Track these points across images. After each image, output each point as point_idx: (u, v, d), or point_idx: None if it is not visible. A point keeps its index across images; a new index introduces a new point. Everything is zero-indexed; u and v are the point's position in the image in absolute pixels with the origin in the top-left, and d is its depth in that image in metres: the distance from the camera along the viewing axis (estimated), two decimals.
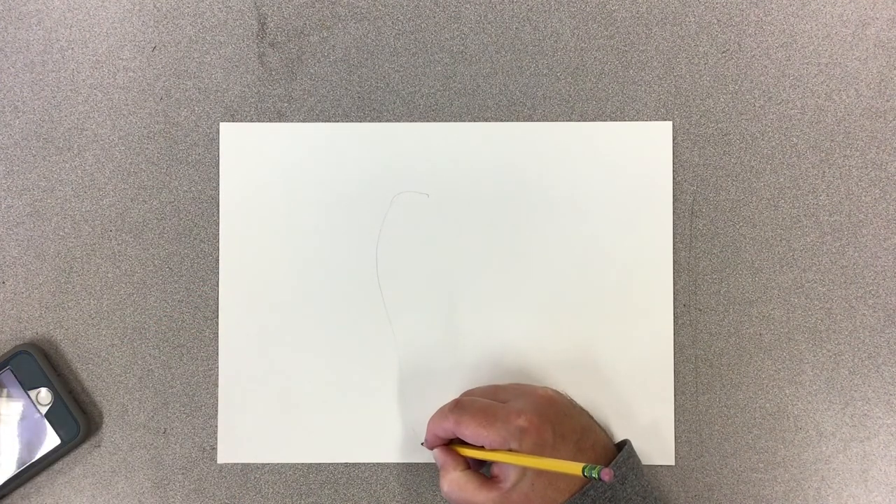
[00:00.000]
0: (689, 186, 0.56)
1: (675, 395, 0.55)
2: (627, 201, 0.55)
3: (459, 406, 0.49)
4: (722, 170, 0.56)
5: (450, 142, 0.55)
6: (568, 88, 0.56)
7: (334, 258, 0.55)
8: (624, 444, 0.50)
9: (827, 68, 0.56)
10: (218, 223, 0.55)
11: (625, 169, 0.55)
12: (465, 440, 0.49)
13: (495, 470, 0.49)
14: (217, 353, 0.55)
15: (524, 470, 0.47)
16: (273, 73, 0.56)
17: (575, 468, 0.41)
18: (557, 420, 0.48)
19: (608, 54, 0.56)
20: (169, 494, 0.55)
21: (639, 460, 0.50)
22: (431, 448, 0.51)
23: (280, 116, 0.56)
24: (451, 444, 0.51)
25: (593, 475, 0.39)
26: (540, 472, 0.47)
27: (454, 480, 0.49)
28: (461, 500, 0.49)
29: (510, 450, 0.47)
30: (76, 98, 0.55)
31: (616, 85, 0.56)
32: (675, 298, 0.55)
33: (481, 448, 0.48)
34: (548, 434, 0.47)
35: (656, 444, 0.54)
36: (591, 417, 0.52)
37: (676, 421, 0.55)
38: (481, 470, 0.50)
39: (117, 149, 0.55)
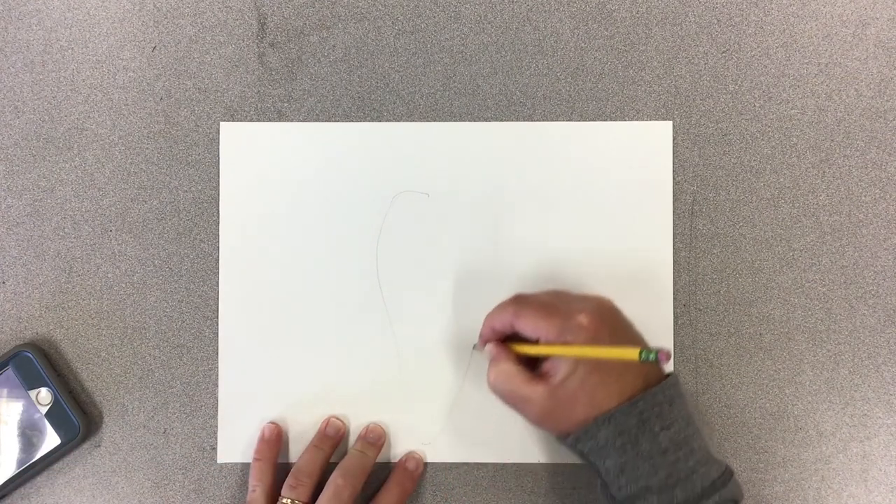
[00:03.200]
0: (689, 186, 0.56)
1: None
2: (627, 201, 0.55)
3: (521, 298, 0.49)
4: (722, 170, 0.56)
5: (450, 142, 0.55)
6: (568, 88, 0.56)
7: (334, 258, 0.55)
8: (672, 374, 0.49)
9: (827, 68, 0.56)
10: (218, 223, 0.55)
11: (625, 169, 0.55)
12: (522, 332, 0.48)
13: (546, 367, 0.48)
14: (217, 353, 0.55)
15: (575, 367, 0.46)
16: (273, 73, 0.56)
17: (632, 353, 0.41)
18: (616, 326, 0.48)
19: (608, 54, 0.56)
20: (169, 494, 0.55)
21: (684, 394, 0.49)
22: (485, 343, 0.51)
23: (280, 116, 0.56)
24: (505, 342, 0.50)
25: (650, 358, 0.39)
26: (591, 371, 0.46)
27: (503, 371, 0.49)
28: (506, 391, 0.49)
29: (565, 343, 0.46)
30: (76, 98, 0.55)
31: (616, 85, 0.56)
32: (675, 298, 0.55)
33: (536, 343, 0.48)
34: (604, 336, 0.46)
35: None
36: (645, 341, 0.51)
37: None
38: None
39: (117, 149, 0.55)
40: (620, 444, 0.45)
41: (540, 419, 0.48)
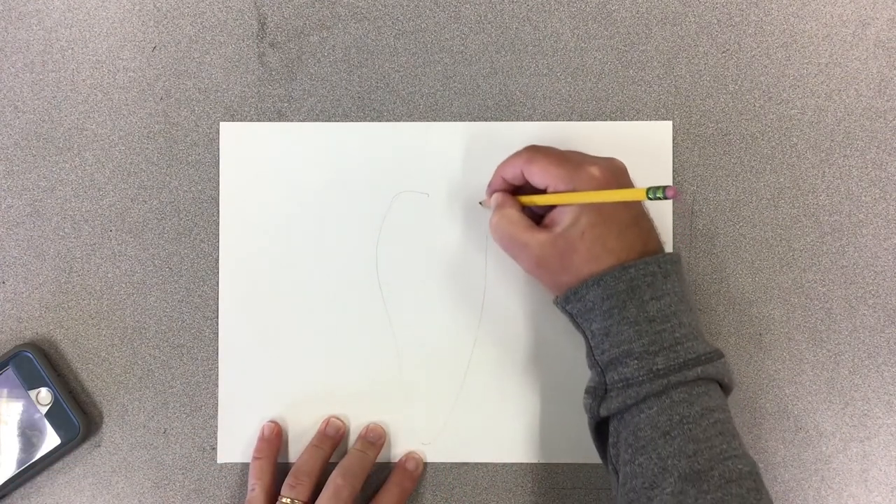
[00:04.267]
0: (689, 186, 0.56)
1: None
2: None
3: (534, 147, 0.49)
4: (722, 170, 0.56)
5: (450, 142, 0.55)
6: (568, 88, 0.56)
7: (334, 258, 0.55)
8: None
9: (827, 68, 0.56)
10: (218, 223, 0.55)
11: None
12: (532, 179, 0.48)
13: (550, 216, 0.48)
14: (217, 353, 0.55)
15: (578, 218, 0.46)
16: (273, 73, 0.56)
17: (639, 192, 0.41)
18: (624, 184, 0.48)
19: (608, 54, 0.56)
20: (169, 494, 0.55)
21: (684, 274, 0.49)
22: (493, 192, 0.51)
23: (280, 116, 0.56)
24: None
25: (658, 195, 0.39)
26: (593, 224, 0.46)
27: (506, 215, 0.49)
28: (507, 234, 0.49)
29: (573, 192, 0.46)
30: (76, 98, 0.55)
31: (616, 85, 0.56)
32: None
33: (543, 192, 0.48)
34: (615, 189, 0.46)
35: None
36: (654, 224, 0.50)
37: None
38: None
39: (117, 149, 0.55)
40: (608, 307, 0.46)
41: (535, 266, 0.48)
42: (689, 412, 0.44)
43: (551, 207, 0.48)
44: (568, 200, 0.47)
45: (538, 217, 0.50)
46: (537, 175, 0.48)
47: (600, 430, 0.48)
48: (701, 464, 0.43)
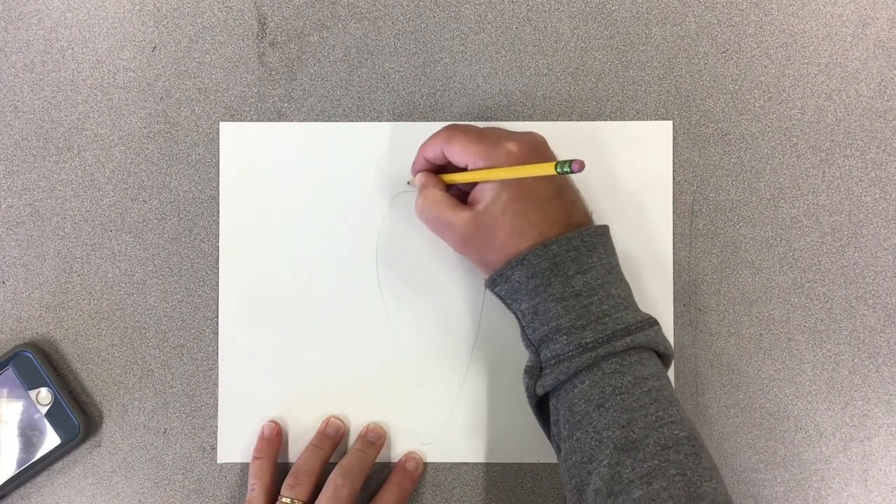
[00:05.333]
0: (689, 186, 0.56)
1: None
2: (627, 201, 0.55)
3: (453, 126, 0.50)
4: (722, 170, 0.56)
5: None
6: (568, 88, 0.56)
7: (334, 258, 0.55)
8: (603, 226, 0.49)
9: (827, 68, 0.56)
10: (218, 223, 0.55)
11: (625, 168, 0.55)
12: (452, 159, 0.49)
13: (472, 195, 0.49)
14: (217, 353, 0.55)
15: (499, 194, 0.47)
16: (273, 73, 0.56)
17: (548, 167, 0.42)
18: (546, 159, 0.48)
19: (608, 54, 0.56)
20: (169, 494, 0.55)
21: (613, 246, 0.49)
22: (416, 172, 0.52)
23: (280, 116, 0.56)
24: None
25: (565, 169, 0.40)
26: (514, 199, 0.46)
27: (430, 197, 0.49)
28: (433, 216, 0.49)
29: (492, 168, 0.47)
30: (76, 98, 0.55)
31: (616, 85, 0.56)
32: (675, 298, 0.55)
33: (464, 170, 0.48)
34: (532, 164, 0.46)
35: None
36: (581, 195, 0.50)
37: None
38: None
39: (117, 149, 0.55)
40: (533, 286, 0.46)
41: (462, 245, 0.49)
42: (621, 382, 0.44)
43: (476, 185, 0.49)
44: (485, 177, 0.47)
45: (465, 195, 0.50)
46: (456, 153, 0.48)
47: (544, 409, 0.48)
48: (636, 433, 0.43)
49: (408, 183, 0.54)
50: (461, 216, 0.48)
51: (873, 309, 0.55)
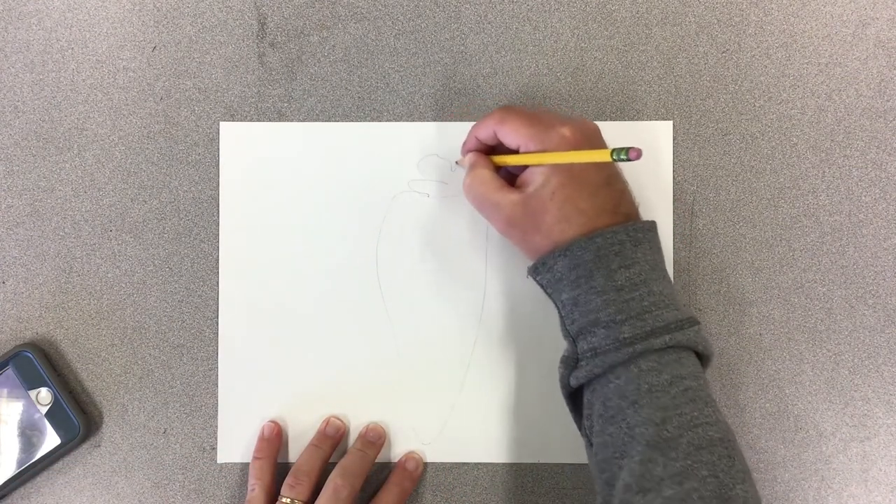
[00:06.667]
0: (689, 186, 0.56)
1: None
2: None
3: (507, 108, 0.49)
4: (722, 170, 0.56)
5: (450, 142, 0.55)
6: (568, 88, 0.56)
7: (334, 258, 0.55)
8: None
9: (827, 68, 0.56)
10: (218, 223, 0.55)
11: (625, 168, 0.55)
12: (504, 140, 0.49)
13: (522, 177, 0.48)
14: (217, 353, 0.55)
15: (549, 178, 0.46)
16: (273, 73, 0.56)
17: (604, 154, 0.41)
18: (596, 145, 0.48)
19: (608, 54, 0.56)
20: (169, 494, 0.55)
21: (659, 243, 0.48)
22: (467, 152, 0.51)
23: (280, 116, 0.56)
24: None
25: (622, 157, 0.40)
26: (564, 184, 0.46)
27: (478, 175, 0.49)
28: (480, 194, 0.49)
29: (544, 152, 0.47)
30: (76, 98, 0.55)
31: (616, 85, 0.56)
32: None
33: (515, 152, 0.48)
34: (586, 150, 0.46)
35: None
36: (629, 187, 0.50)
37: None
38: None
39: (117, 149, 0.55)
40: (575, 277, 0.45)
41: (507, 226, 0.48)
42: (658, 381, 0.43)
43: (525, 168, 0.48)
44: (536, 160, 0.47)
45: (514, 178, 0.50)
46: (509, 135, 0.48)
47: (577, 401, 0.48)
48: (670, 431, 0.42)
49: (456, 163, 0.54)
50: (509, 197, 0.48)
51: (873, 309, 0.55)
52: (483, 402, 0.55)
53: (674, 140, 0.55)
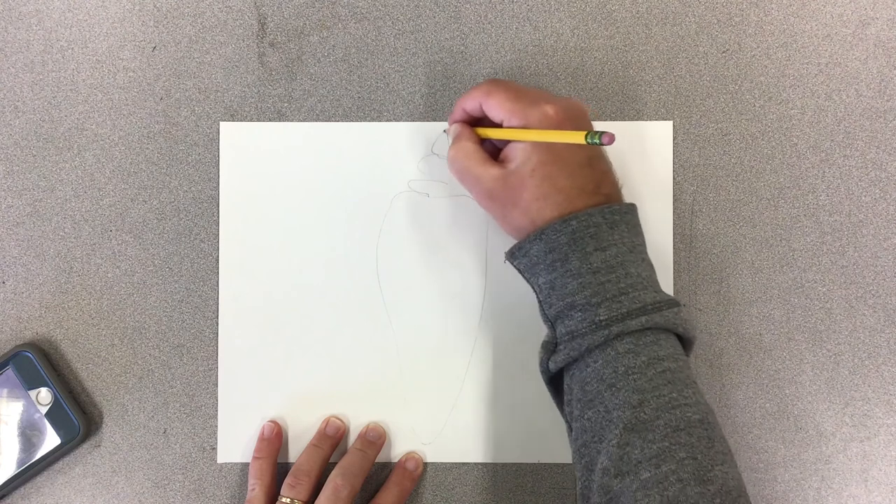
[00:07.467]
0: (689, 186, 0.56)
1: None
2: (628, 201, 0.55)
3: (495, 81, 0.50)
4: (722, 170, 0.56)
5: (450, 142, 0.55)
6: (568, 88, 0.56)
7: (334, 258, 0.55)
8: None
9: (827, 68, 0.56)
10: (218, 223, 0.55)
11: (625, 168, 0.55)
12: (489, 113, 0.49)
13: (504, 152, 0.49)
14: (217, 353, 0.55)
15: (530, 155, 0.46)
16: (273, 73, 0.56)
17: (578, 136, 0.42)
18: (581, 127, 0.47)
19: (608, 54, 0.56)
20: (169, 494, 0.55)
21: (639, 225, 0.48)
22: (452, 123, 0.51)
23: (280, 116, 0.56)
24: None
25: (595, 140, 0.40)
26: (544, 162, 0.46)
27: (463, 148, 0.49)
28: (463, 168, 0.49)
29: (527, 128, 0.47)
30: (76, 98, 0.55)
31: (616, 85, 0.56)
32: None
33: (499, 126, 0.48)
34: (567, 130, 0.46)
35: None
36: (613, 168, 0.50)
37: None
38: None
39: (117, 149, 0.55)
40: (551, 260, 0.45)
41: (487, 200, 0.49)
42: (635, 363, 0.43)
43: (509, 142, 0.48)
44: (517, 136, 0.47)
45: (499, 151, 0.50)
46: (493, 108, 0.48)
47: (558, 386, 0.48)
48: (647, 413, 0.42)
49: (444, 131, 0.54)
50: (490, 171, 0.48)
51: (873, 309, 0.55)
52: (483, 402, 0.55)
53: (674, 140, 0.55)
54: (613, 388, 0.43)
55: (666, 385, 0.43)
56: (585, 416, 0.44)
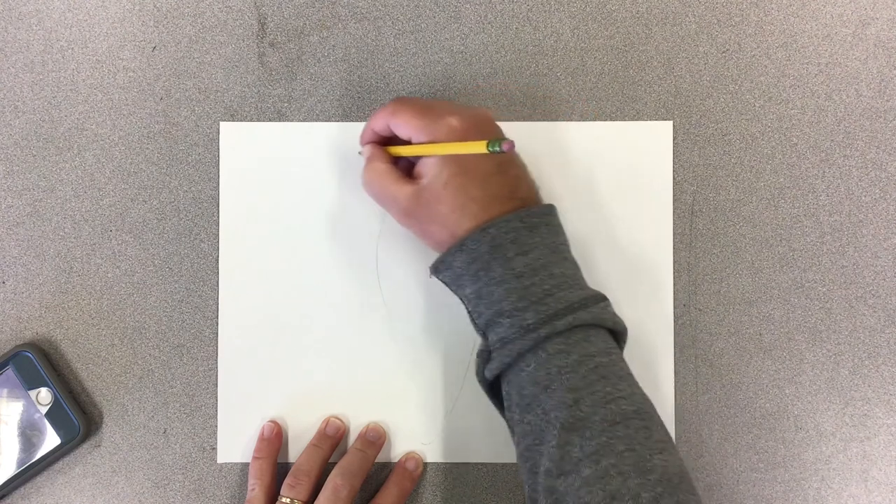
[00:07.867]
0: (689, 186, 0.56)
1: (675, 395, 0.55)
2: (627, 201, 0.55)
3: (400, 99, 0.50)
4: (722, 170, 0.56)
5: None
6: (568, 88, 0.56)
7: (334, 258, 0.55)
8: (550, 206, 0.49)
9: (827, 68, 0.56)
10: (218, 223, 0.55)
11: (625, 169, 0.55)
12: (396, 132, 0.49)
13: (416, 169, 0.49)
14: (217, 353, 0.55)
15: (441, 170, 0.47)
16: (273, 73, 0.56)
17: (480, 145, 0.42)
18: (487, 135, 0.47)
19: (608, 54, 0.56)
20: (169, 494, 0.55)
21: (559, 225, 0.48)
22: (364, 144, 0.52)
23: (280, 116, 0.56)
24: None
25: (496, 148, 0.40)
26: (455, 174, 0.46)
27: (375, 169, 0.50)
28: (378, 188, 0.50)
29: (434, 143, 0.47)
30: (76, 98, 0.55)
31: (616, 85, 0.56)
32: (675, 298, 0.55)
33: (408, 143, 0.49)
34: (473, 140, 0.46)
35: None
36: (528, 172, 0.50)
37: (676, 421, 0.55)
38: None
39: (117, 149, 0.55)
40: (474, 270, 0.46)
41: (405, 218, 0.49)
42: (566, 362, 0.43)
43: (420, 158, 0.49)
44: (424, 152, 0.47)
45: (413, 168, 0.50)
46: (400, 126, 0.48)
47: (499, 394, 0.48)
48: (583, 411, 0.42)
49: (359, 153, 0.54)
50: (405, 189, 0.48)
51: (873, 309, 0.55)
52: (483, 402, 0.55)
53: (674, 140, 0.55)
54: (549, 390, 0.43)
55: (599, 381, 0.43)
56: (525, 420, 0.44)
